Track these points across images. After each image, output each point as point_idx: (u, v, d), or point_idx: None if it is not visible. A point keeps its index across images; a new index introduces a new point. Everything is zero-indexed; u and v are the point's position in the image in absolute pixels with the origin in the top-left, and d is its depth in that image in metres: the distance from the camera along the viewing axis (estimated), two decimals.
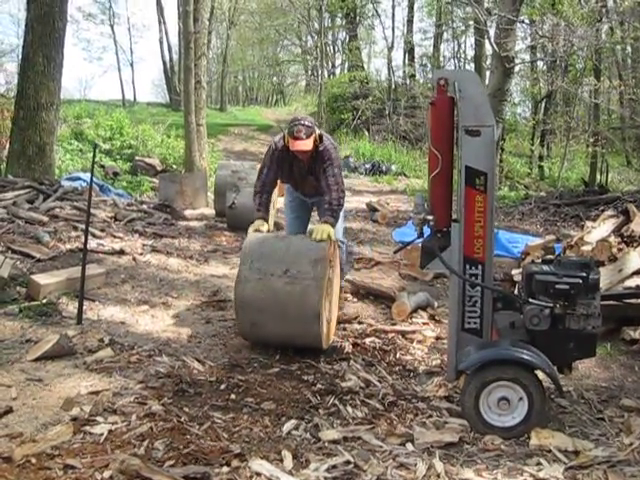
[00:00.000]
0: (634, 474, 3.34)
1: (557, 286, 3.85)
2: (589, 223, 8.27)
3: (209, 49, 30.02)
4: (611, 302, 4.97)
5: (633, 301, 5.22)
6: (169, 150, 18.06)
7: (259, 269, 4.76)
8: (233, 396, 4.15)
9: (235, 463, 3.25)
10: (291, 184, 5.81)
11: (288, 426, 3.80)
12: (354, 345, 5.27)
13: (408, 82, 30.99)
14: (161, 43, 37.86)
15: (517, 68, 20.45)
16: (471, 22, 22.82)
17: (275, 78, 52.04)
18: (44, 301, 5.65)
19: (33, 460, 3.12)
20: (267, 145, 5.62)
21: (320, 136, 5.26)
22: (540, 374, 3.85)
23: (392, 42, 32.35)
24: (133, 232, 8.57)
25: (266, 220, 5.36)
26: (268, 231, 5.28)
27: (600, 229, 7.46)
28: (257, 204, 5.42)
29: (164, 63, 38.17)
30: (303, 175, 5.55)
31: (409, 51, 33.68)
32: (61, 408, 3.79)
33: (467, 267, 4.05)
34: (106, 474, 3.01)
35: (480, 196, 3.97)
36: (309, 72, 43.63)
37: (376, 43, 42.73)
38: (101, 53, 60.70)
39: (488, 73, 19.16)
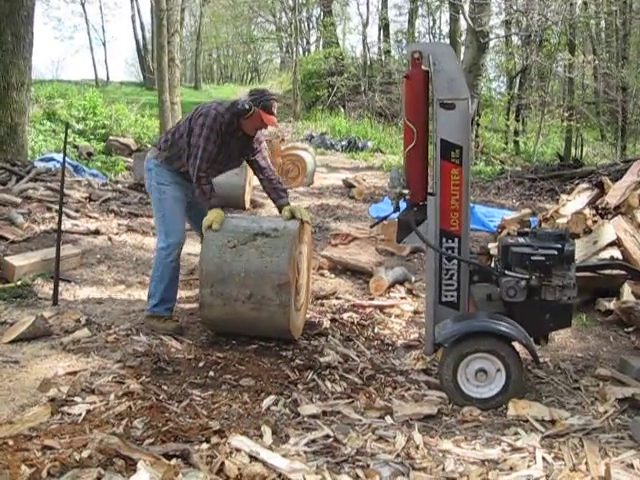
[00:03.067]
0: (609, 441, 3.40)
1: (533, 258, 3.88)
2: (564, 196, 8.32)
3: (182, 26, 29.78)
4: (586, 273, 5.00)
5: (608, 272, 5.26)
6: (143, 129, 17.88)
7: (221, 294, 4.54)
8: (212, 373, 4.15)
9: (215, 439, 3.25)
10: (224, 163, 4.94)
11: (267, 402, 3.81)
12: (332, 320, 5.28)
13: (383, 58, 30.92)
14: (133, 21, 37.46)
15: (492, 43, 20.49)
16: None
17: (249, 56, 51.59)
18: (19, 283, 5.59)
19: (10, 442, 3.09)
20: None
21: None
22: (517, 345, 3.89)
23: (367, 18, 32.22)
24: (108, 212, 8.49)
25: (221, 207, 4.81)
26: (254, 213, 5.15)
27: (575, 202, 7.51)
28: (209, 191, 4.73)
29: (137, 41, 37.75)
30: (234, 154, 4.96)
31: (384, 27, 33.53)
32: (38, 389, 3.77)
33: (443, 240, 4.06)
34: (85, 454, 2.98)
35: (456, 169, 3.97)
36: (284, 49, 43.30)
37: (351, 19, 42.41)
38: (72, 32, 59.43)
39: (463, 48, 19.13)
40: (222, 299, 4.54)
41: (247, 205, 9.79)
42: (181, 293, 5.82)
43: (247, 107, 4.70)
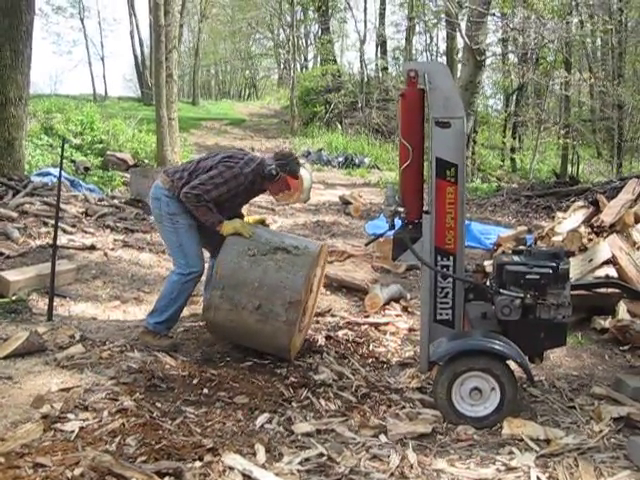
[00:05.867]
0: (604, 460, 3.39)
1: (527, 276, 3.89)
2: (560, 214, 8.35)
3: (181, 42, 29.93)
4: (581, 292, 5.01)
5: (603, 291, 5.27)
6: (141, 145, 17.89)
7: (231, 299, 4.54)
8: (206, 390, 4.13)
9: (208, 458, 3.23)
10: (221, 210, 4.85)
11: (261, 420, 3.80)
12: (327, 338, 5.26)
13: (380, 75, 31.07)
14: (132, 37, 37.58)
15: (488, 61, 20.54)
16: (443, 15, 22.87)
17: (247, 72, 51.86)
18: (14, 298, 5.57)
19: (2, 459, 3.07)
20: (237, 157, 4.89)
21: None
22: (512, 364, 3.89)
23: (364, 35, 32.45)
24: (104, 227, 8.48)
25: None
26: (263, 223, 5.17)
27: (571, 220, 7.53)
28: (213, 207, 4.73)
29: (135, 57, 37.85)
30: (243, 202, 5.16)
31: (381, 44, 33.75)
32: (31, 406, 3.74)
33: (439, 258, 4.07)
34: (77, 471, 2.97)
35: (451, 187, 3.99)
36: (281, 66, 43.58)
37: (348, 36, 42.54)
38: (71, 47, 60.21)
39: (460, 66, 19.26)
40: (230, 304, 4.55)
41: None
42: None
43: (274, 173, 4.80)
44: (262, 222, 5.24)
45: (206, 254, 5.09)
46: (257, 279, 4.53)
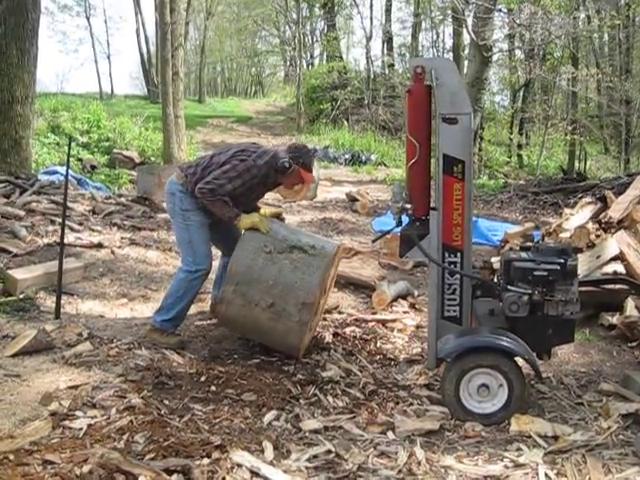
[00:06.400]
0: (612, 457, 3.38)
1: (535, 273, 3.88)
2: (567, 210, 8.33)
3: (187, 40, 29.91)
4: (589, 288, 4.99)
5: (611, 287, 5.25)
6: (147, 142, 17.91)
7: (244, 295, 4.52)
8: (213, 388, 4.14)
9: (216, 455, 3.24)
10: (237, 204, 4.80)
11: (269, 417, 3.80)
12: (334, 335, 5.27)
13: (387, 72, 31.00)
14: (138, 35, 37.51)
15: (495, 57, 20.53)
16: (449, 11, 22.84)
17: (253, 69, 51.82)
18: (21, 296, 5.58)
19: (11, 456, 3.08)
20: (248, 151, 4.85)
21: None
22: (519, 360, 3.88)
23: (370, 32, 32.30)
24: (111, 225, 8.48)
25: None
26: (279, 217, 5.12)
27: (578, 216, 7.51)
28: (230, 201, 4.68)
29: (141, 55, 37.84)
30: (258, 197, 5.11)
31: (387, 41, 33.67)
32: (40, 403, 3.76)
33: (446, 255, 4.06)
34: (85, 469, 2.98)
35: (458, 184, 3.98)
36: (287, 63, 43.53)
37: (354, 33, 42.76)
38: (77, 45, 60.36)
39: (466, 62, 19.22)
40: (243, 300, 4.54)
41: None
42: None
43: (287, 165, 4.76)
44: (278, 215, 5.20)
45: (216, 252, 5.09)
46: (272, 277, 4.52)
